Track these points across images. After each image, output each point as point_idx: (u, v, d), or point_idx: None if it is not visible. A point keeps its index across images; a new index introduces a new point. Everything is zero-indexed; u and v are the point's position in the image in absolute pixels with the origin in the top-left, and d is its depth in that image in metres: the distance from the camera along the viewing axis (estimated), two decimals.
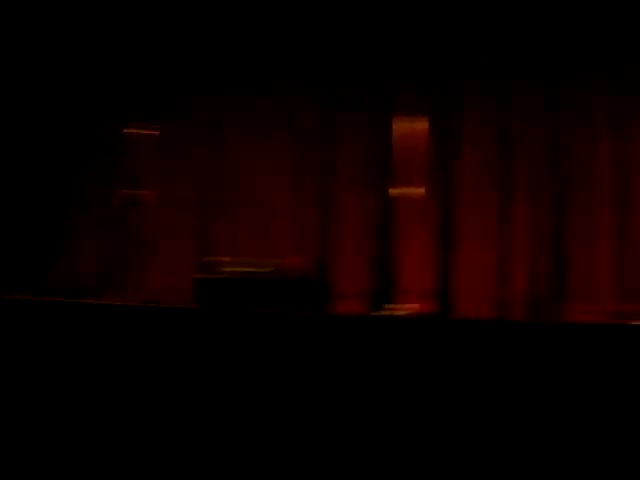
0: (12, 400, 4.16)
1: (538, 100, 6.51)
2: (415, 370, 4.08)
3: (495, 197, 6.44)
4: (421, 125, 6.53)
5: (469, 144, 6.52)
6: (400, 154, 6.59)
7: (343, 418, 3.93)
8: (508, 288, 6.30)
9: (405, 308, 6.19)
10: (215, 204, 6.62)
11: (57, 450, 3.98)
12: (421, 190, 6.44)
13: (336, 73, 6.68)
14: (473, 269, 6.37)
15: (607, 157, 6.31)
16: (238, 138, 6.67)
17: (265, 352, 4.17)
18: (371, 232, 6.60)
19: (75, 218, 6.40)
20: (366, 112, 6.72)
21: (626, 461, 3.64)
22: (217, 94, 6.66)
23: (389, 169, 6.63)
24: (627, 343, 4.09)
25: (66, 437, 4.01)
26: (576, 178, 6.54)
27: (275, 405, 3.99)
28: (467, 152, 6.52)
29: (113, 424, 4.06)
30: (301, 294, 5.56)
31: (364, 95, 6.66)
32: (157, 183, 6.49)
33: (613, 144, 6.30)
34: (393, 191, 6.56)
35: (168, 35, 6.47)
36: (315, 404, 3.99)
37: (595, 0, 6.21)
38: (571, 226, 6.35)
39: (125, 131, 6.49)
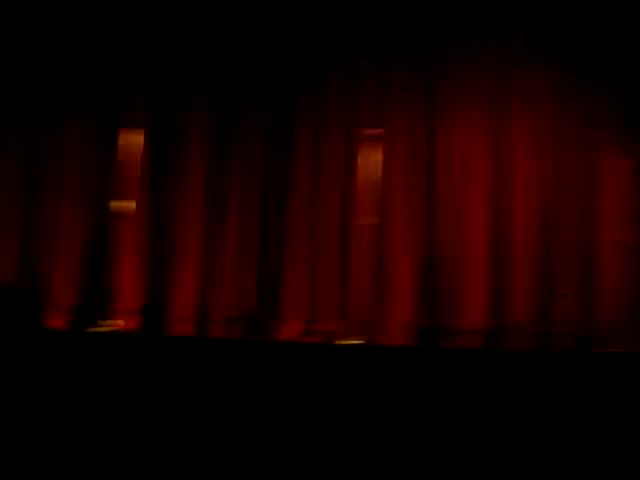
0: None
1: (252, 117, 6.39)
2: (94, 385, 3.94)
3: (207, 212, 6.30)
4: (140, 139, 6.42)
5: (184, 159, 6.41)
6: (121, 168, 6.49)
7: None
8: (216, 304, 6.12)
9: (114, 324, 6.07)
10: None
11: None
12: (135, 204, 6.33)
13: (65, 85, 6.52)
14: (183, 286, 6.22)
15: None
16: None
17: None
18: (86, 246, 6.43)
19: None
20: (93, 126, 6.58)
21: None
22: None
23: (109, 183, 6.51)
24: (331, 362, 4.00)
25: None
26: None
27: None
28: (180, 167, 6.43)
29: None
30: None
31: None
32: None
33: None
34: (112, 205, 6.43)
35: None
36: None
37: None
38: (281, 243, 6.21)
39: None
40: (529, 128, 7.10)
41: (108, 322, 6.34)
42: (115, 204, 6.65)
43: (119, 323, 6.29)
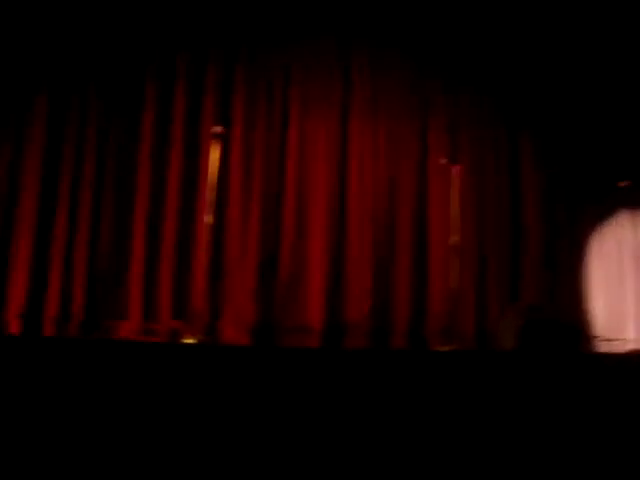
0: None
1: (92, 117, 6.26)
2: None
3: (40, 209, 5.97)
4: None
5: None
6: None
7: None
8: (49, 302, 5.77)
9: None
10: None
11: None
12: None
13: None
14: (15, 284, 5.85)
15: None
16: None
17: None
18: None
19: None
20: None
21: None
22: None
23: None
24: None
25: None
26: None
27: None
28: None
29: None
30: None
31: None
32: None
33: None
34: None
35: None
36: None
37: None
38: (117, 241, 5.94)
39: None
40: (366, 132, 7.28)
41: None
42: None
43: None
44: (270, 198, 6.74)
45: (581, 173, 8.49)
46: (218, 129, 5.45)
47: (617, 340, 7.90)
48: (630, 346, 7.55)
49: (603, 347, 7.95)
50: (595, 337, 7.92)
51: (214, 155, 5.39)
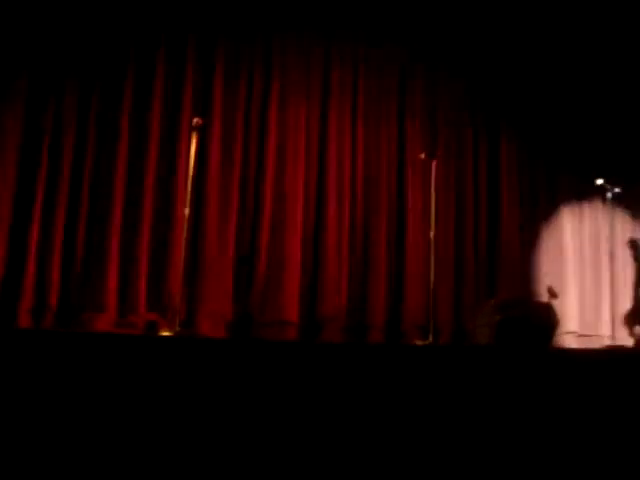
0: None
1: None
2: None
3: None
4: None
5: None
6: None
7: None
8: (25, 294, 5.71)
9: None
10: None
11: None
12: None
13: None
14: None
15: None
16: None
17: None
18: None
19: None
20: None
21: None
22: None
23: None
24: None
25: None
26: None
27: None
28: None
29: None
30: None
31: None
32: None
33: None
34: None
35: None
36: None
37: None
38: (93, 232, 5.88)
39: None
40: (345, 126, 7.28)
41: None
42: None
43: None
44: (249, 191, 6.70)
45: (561, 169, 8.54)
46: (197, 120, 5.39)
47: (593, 336, 7.97)
48: (605, 342, 7.61)
49: (579, 343, 8.02)
50: (570, 333, 7.98)
51: (192, 147, 5.33)
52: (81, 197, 6.06)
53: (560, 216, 8.63)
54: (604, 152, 8.75)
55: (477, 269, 7.76)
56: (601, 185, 7.21)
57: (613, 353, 6.27)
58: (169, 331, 5.19)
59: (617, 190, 7.29)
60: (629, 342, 7.85)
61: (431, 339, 5.69)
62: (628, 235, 7.60)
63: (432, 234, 5.65)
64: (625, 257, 8.02)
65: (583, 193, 8.55)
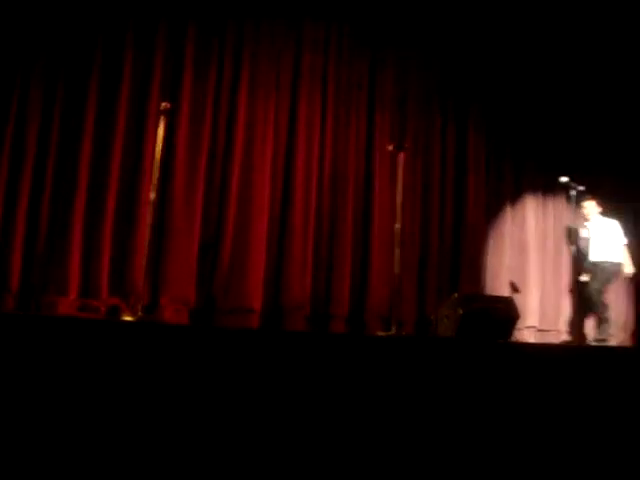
0: None
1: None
2: None
3: None
4: None
5: None
6: None
7: None
8: None
9: None
10: None
11: None
12: None
13: None
14: None
15: None
16: None
17: None
18: None
19: None
20: None
21: None
22: None
23: None
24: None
25: None
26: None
27: None
28: None
29: None
30: None
31: None
32: None
33: None
34: None
35: None
36: None
37: None
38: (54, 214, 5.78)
39: None
40: (314, 115, 7.28)
41: None
42: None
43: None
44: (215, 177, 6.67)
45: (527, 165, 8.64)
46: (165, 105, 5.34)
47: (551, 331, 8.09)
48: (563, 338, 7.74)
49: (538, 338, 8.14)
50: (530, 327, 8.09)
51: (160, 131, 5.29)
52: (45, 180, 5.97)
53: (524, 211, 8.71)
54: (570, 149, 8.85)
55: (441, 262, 7.81)
56: (565, 183, 7.29)
57: (570, 348, 6.36)
58: (131, 316, 5.15)
59: (581, 188, 7.38)
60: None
61: (394, 330, 5.71)
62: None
63: (398, 226, 5.67)
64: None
65: (548, 190, 8.64)
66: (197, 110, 6.56)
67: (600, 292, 7.60)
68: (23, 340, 3.65)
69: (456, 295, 6.28)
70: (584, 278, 7.92)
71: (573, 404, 4.35)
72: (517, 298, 7.41)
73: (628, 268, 7.69)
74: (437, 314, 6.40)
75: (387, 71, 7.70)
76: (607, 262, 7.52)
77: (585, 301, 7.89)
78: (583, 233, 7.90)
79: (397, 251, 5.64)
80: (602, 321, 7.51)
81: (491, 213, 8.34)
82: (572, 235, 8.42)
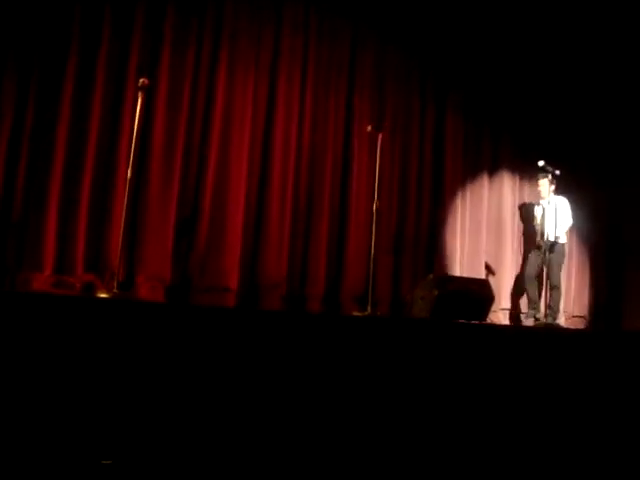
0: None
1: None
2: None
3: None
4: None
5: None
6: None
7: None
8: None
9: None
10: None
11: None
12: None
13: None
14: None
15: None
16: None
17: None
18: None
19: None
20: None
21: None
22: None
23: None
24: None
25: None
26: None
27: None
28: None
29: None
30: None
31: None
32: None
33: None
34: None
35: None
36: None
37: None
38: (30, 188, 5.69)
39: None
40: (293, 94, 7.25)
41: None
42: None
43: None
44: (192, 155, 6.64)
45: (505, 146, 8.69)
46: (143, 81, 5.29)
47: (526, 313, 8.16)
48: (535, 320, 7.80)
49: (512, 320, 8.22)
50: (504, 310, 8.17)
51: (137, 107, 5.25)
52: (20, 155, 5.88)
53: (501, 193, 8.77)
54: (548, 131, 8.91)
55: (417, 243, 7.85)
56: (542, 166, 7.33)
57: (545, 331, 6.44)
58: (106, 293, 5.13)
59: (557, 172, 7.43)
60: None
61: (369, 310, 5.75)
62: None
63: (375, 206, 5.69)
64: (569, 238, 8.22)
65: (525, 172, 8.70)
66: (175, 88, 6.50)
67: (557, 274, 7.63)
68: None
69: (431, 276, 6.32)
70: (533, 256, 7.98)
71: (545, 383, 4.42)
72: (492, 280, 7.46)
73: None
74: (412, 295, 6.44)
75: (367, 52, 7.66)
76: (557, 242, 7.53)
77: (528, 277, 7.95)
78: (537, 211, 7.94)
79: (373, 231, 5.65)
80: (551, 305, 7.55)
81: (468, 194, 8.35)
82: (525, 213, 8.49)
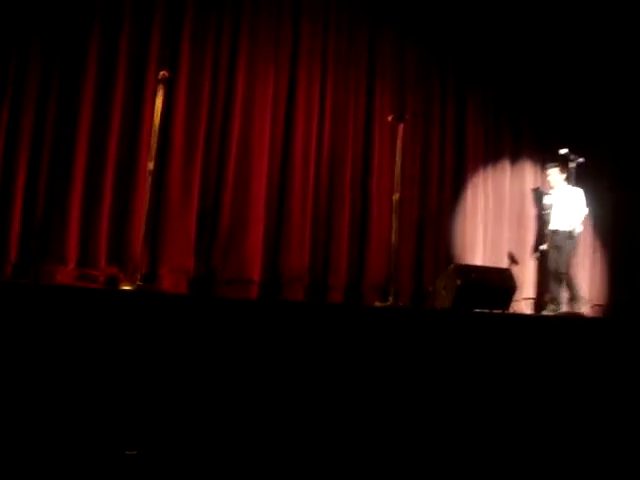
0: None
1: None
2: None
3: None
4: None
5: None
6: None
7: None
8: None
9: None
10: None
11: None
12: None
13: None
14: None
15: None
16: None
17: None
18: None
19: None
20: None
21: None
22: None
23: None
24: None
25: None
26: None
27: None
28: None
29: None
30: None
31: None
32: None
33: None
34: None
35: None
36: None
37: None
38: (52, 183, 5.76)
39: None
40: (314, 84, 7.24)
41: None
42: None
43: None
44: (213, 146, 6.65)
45: (527, 135, 8.63)
46: (163, 73, 5.31)
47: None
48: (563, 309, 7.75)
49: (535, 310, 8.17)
50: (528, 299, 8.12)
51: (158, 100, 5.26)
52: (43, 148, 5.94)
53: (523, 182, 8.72)
54: (570, 120, 8.82)
55: (439, 233, 7.82)
56: (564, 154, 7.27)
57: (567, 319, 6.40)
58: (130, 286, 5.16)
59: (580, 160, 7.36)
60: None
61: (391, 301, 5.74)
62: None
63: (396, 197, 5.67)
64: (585, 228, 8.15)
65: (546, 161, 8.63)
66: (195, 81, 6.53)
67: (563, 264, 7.56)
68: (22, 309, 3.67)
69: (453, 266, 6.30)
70: (544, 247, 7.92)
71: (570, 374, 4.39)
72: (515, 269, 7.42)
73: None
74: (434, 285, 6.42)
75: (386, 45, 7.63)
76: (566, 232, 7.46)
77: (549, 272, 7.88)
78: (546, 200, 7.88)
79: (395, 221, 5.63)
80: (571, 297, 7.49)
81: (490, 184, 8.31)
82: (537, 199, 8.43)
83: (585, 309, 8.31)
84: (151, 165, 5.13)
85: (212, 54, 6.66)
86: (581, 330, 5.12)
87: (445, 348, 4.29)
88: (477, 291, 5.82)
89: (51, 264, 5.83)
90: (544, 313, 7.81)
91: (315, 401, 3.79)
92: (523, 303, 8.13)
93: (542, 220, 8.09)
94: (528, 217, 8.56)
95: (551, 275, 7.79)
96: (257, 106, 6.80)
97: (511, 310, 6.50)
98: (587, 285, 8.81)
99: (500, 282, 6.08)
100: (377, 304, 6.16)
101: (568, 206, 7.52)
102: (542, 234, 8.17)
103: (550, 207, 7.73)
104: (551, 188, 7.90)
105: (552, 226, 7.65)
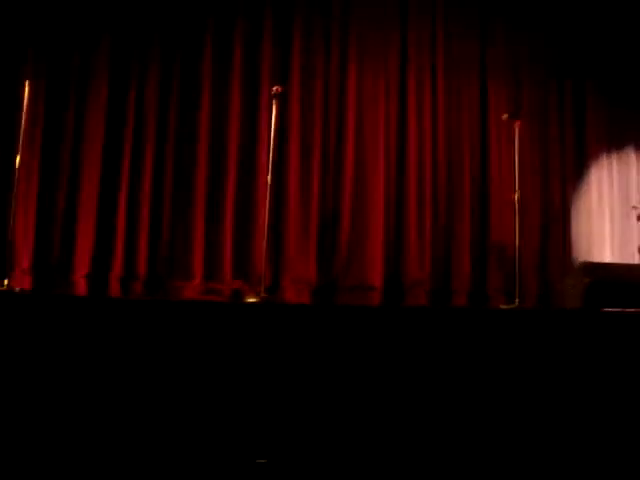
0: None
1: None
2: None
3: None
4: None
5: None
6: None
7: None
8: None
9: None
10: None
11: None
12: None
13: None
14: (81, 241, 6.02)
15: None
16: None
17: None
18: None
19: None
20: None
21: None
22: None
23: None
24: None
25: None
26: None
27: None
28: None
29: None
30: None
31: None
32: None
33: None
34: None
35: None
36: None
37: None
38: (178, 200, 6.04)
39: None
40: (425, 86, 7.17)
41: None
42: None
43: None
44: (329, 157, 6.71)
45: None
46: (276, 88, 5.41)
47: None
48: None
49: None
50: None
51: (273, 115, 5.37)
52: (166, 169, 6.18)
53: None
54: None
55: (564, 231, 7.57)
56: None
57: None
58: (255, 298, 5.26)
59: None
60: None
61: (517, 303, 5.59)
62: None
63: (516, 196, 5.53)
64: None
65: None
66: (307, 93, 6.64)
67: None
68: (153, 324, 3.80)
69: (581, 264, 6.07)
70: None
71: None
72: None
73: None
74: (562, 284, 6.21)
75: (498, 41, 7.44)
76: None
77: None
78: None
79: (516, 222, 5.50)
80: None
81: (615, 178, 7.98)
82: None
83: None
84: (269, 178, 5.22)
85: (322, 66, 6.76)
86: None
87: (577, 348, 4.14)
88: (607, 289, 5.59)
89: (178, 280, 5.99)
90: None
91: (442, 407, 3.73)
92: None
93: None
94: None
95: None
96: (369, 113, 6.85)
97: None
98: None
99: (632, 279, 5.82)
100: (502, 306, 6.01)
101: None
102: None
103: None
104: None
105: None
